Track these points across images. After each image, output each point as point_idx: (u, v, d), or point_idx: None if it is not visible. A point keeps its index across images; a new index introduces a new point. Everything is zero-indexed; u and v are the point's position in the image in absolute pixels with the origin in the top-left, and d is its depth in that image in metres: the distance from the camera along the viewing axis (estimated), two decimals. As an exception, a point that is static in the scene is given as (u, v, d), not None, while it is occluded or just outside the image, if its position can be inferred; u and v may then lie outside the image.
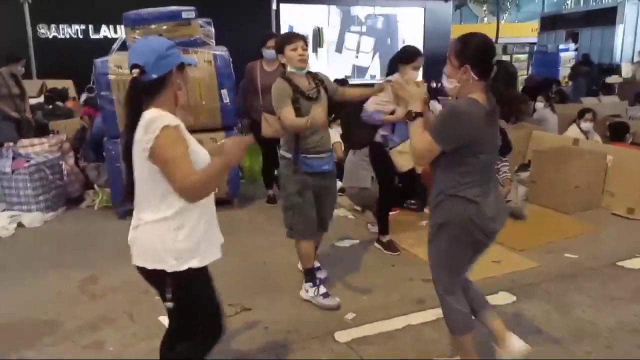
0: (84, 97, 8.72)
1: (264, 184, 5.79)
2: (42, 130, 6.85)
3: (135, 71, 1.90)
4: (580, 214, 5.14)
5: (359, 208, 5.35)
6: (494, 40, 2.35)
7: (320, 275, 3.63)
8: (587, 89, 12.26)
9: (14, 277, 3.97)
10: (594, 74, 13.20)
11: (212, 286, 2.14)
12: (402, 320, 3.22)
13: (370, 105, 3.92)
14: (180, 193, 1.88)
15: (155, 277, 2.01)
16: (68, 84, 9.76)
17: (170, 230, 1.95)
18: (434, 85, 14.49)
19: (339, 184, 5.96)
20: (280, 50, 3.42)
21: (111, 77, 4.91)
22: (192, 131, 2.09)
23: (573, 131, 6.27)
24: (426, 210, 5.28)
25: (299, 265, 3.66)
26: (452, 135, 2.19)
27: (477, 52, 2.20)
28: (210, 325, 2.17)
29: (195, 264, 1.98)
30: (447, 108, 2.35)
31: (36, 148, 5.62)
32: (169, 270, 1.95)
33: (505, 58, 15.49)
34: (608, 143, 6.09)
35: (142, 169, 1.93)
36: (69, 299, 3.60)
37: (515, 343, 2.46)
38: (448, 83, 2.30)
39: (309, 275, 3.47)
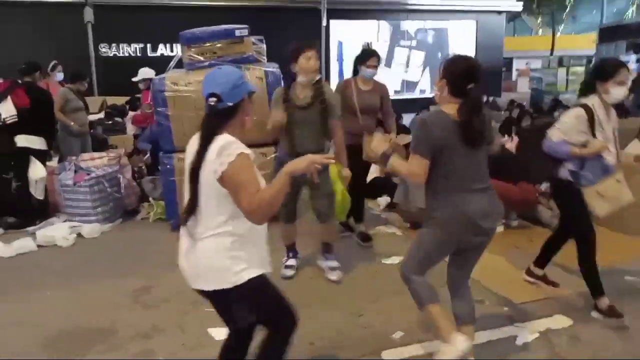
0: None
1: (348, 217, 4.79)
2: (101, 145, 7.21)
3: (213, 100, 2.06)
4: (644, 234, 4.88)
5: (407, 225, 5.30)
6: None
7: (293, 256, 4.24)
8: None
9: (71, 284, 4.15)
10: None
11: (272, 285, 2.26)
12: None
13: (555, 134, 3.36)
14: (248, 215, 2.00)
15: (218, 298, 2.14)
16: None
17: (227, 248, 2.07)
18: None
19: (387, 200, 5.96)
20: (295, 59, 3.64)
21: (167, 94, 5.11)
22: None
23: (635, 147, 5.98)
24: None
25: (332, 276, 4.06)
26: (424, 141, 2.50)
27: (455, 73, 2.52)
28: (284, 320, 2.27)
29: (253, 273, 2.11)
30: (416, 123, 2.64)
31: (96, 162, 5.88)
32: (231, 286, 2.08)
33: (561, 71, 15.06)
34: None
35: (211, 188, 2.04)
36: (123, 308, 3.72)
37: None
38: (435, 90, 2.70)
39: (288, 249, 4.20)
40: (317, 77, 3.80)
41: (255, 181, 2.02)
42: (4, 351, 3.19)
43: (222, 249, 2.07)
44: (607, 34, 20.29)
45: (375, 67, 4.49)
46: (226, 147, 2.01)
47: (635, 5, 29.71)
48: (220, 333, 3.24)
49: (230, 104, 2.08)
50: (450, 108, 2.52)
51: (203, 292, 2.16)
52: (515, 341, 3.13)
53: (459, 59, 2.58)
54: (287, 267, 4.17)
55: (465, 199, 2.53)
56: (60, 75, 8.05)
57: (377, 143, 2.77)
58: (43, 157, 5.86)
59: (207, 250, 2.08)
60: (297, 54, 3.64)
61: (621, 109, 9.41)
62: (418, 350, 3.05)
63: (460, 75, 2.50)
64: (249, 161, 2.03)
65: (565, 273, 4.02)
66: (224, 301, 2.15)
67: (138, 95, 8.39)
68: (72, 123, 6.58)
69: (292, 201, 3.96)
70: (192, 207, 2.08)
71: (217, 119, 2.09)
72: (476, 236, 2.60)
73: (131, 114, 8.92)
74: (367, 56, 4.51)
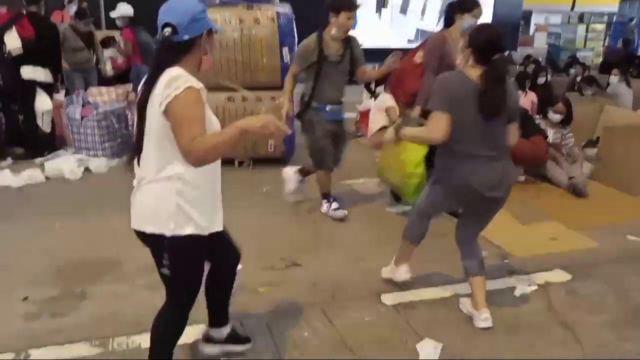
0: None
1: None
2: (107, 82, 7.10)
3: (168, 30, 1.88)
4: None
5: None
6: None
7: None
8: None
9: (79, 216, 4.22)
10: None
11: (203, 264, 2.13)
12: (450, 289, 3.20)
13: None
14: (185, 154, 1.84)
15: (154, 242, 1.99)
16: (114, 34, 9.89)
17: (173, 193, 1.92)
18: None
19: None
20: (336, 10, 3.74)
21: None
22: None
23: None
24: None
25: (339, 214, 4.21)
26: (443, 96, 2.54)
27: (481, 42, 2.56)
28: (188, 302, 2.13)
29: (193, 230, 1.96)
30: (437, 80, 2.68)
31: (104, 97, 5.86)
32: (168, 234, 1.93)
33: (581, 27, 14.62)
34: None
35: (154, 124, 1.89)
36: (130, 241, 3.71)
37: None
38: (459, 57, 2.76)
39: (326, 196, 4.26)
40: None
41: (199, 120, 1.85)
42: (13, 274, 3.29)
43: (171, 193, 1.92)
44: (632, -9, 19.53)
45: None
46: (175, 79, 1.84)
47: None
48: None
49: (186, 37, 1.90)
50: (474, 73, 2.55)
51: (141, 234, 2.01)
52: (513, 292, 3.18)
53: (485, 28, 2.67)
54: (338, 209, 4.23)
55: (472, 169, 2.58)
56: (75, 8, 7.86)
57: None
58: (49, 89, 5.82)
59: (156, 191, 1.94)
60: (340, 9, 3.79)
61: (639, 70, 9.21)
62: (416, 296, 3.11)
63: (486, 43, 2.55)
64: (198, 96, 1.86)
65: (567, 230, 4.06)
66: (157, 248, 2.00)
67: (111, 35, 7.81)
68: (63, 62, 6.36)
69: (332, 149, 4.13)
70: (139, 146, 1.94)
71: (169, 52, 1.91)
72: (482, 203, 2.71)
73: (107, 54, 7.45)
74: (471, 5, 3.85)
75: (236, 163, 5.42)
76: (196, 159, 1.85)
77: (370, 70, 4.35)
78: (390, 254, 3.59)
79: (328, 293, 3.13)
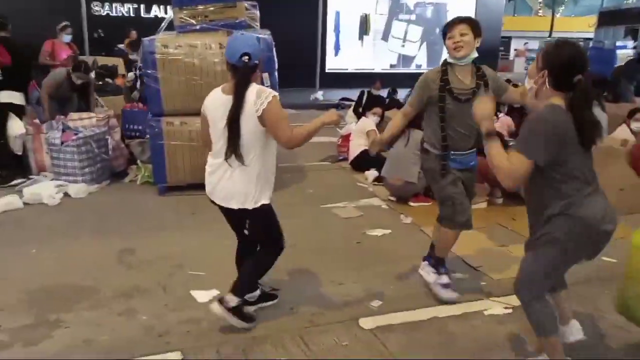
0: (131, 75, 8.95)
1: None
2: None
3: (246, 57, 2.63)
4: (623, 218, 4.94)
5: (393, 198, 5.35)
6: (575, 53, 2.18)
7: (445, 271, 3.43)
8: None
9: (57, 242, 4.17)
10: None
11: (275, 214, 2.92)
12: (428, 312, 3.21)
13: None
14: (286, 143, 2.70)
15: (241, 214, 2.81)
16: (118, 62, 10.04)
17: (253, 179, 2.73)
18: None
19: (375, 174, 6.01)
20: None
21: (157, 56, 5.04)
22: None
23: (622, 131, 6.04)
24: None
25: (440, 291, 3.36)
26: (543, 144, 2.12)
27: (560, 63, 2.16)
28: (277, 242, 2.96)
29: (266, 200, 2.81)
30: (531, 118, 2.26)
31: (84, 122, 5.85)
32: (251, 207, 2.76)
33: (558, 53, 14.95)
34: (659, 146, 5.83)
35: (250, 126, 2.63)
36: (107, 268, 3.75)
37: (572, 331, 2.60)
38: (527, 82, 2.34)
39: (439, 262, 3.38)
40: (471, 56, 3.08)
41: (287, 117, 2.71)
42: (-13, 304, 3.23)
43: (250, 179, 2.71)
44: (607, 18, 20.16)
45: None
46: (263, 90, 2.63)
47: (636, -10, 29.44)
48: (202, 295, 3.32)
49: (256, 61, 2.68)
50: (558, 101, 2.17)
51: (229, 210, 2.80)
52: (489, 314, 3.20)
53: (564, 45, 2.19)
54: (448, 287, 3.37)
55: (590, 203, 2.24)
56: (68, 37, 7.90)
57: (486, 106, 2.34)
58: (21, 112, 5.84)
59: (240, 177, 2.71)
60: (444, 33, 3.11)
61: (614, 94, 9.46)
62: (394, 320, 3.11)
63: (565, 64, 2.15)
64: (278, 99, 2.66)
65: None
66: (243, 218, 2.87)
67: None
68: (46, 108, 6.25)
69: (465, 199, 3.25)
70: (234, 150, 2.64)
71: (247, 73, 2.65)
72: (602, 241, 2.31)
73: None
74: None
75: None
76: (292, 145, 2.72)
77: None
78: (370, 277, 3.62)
79: (306, 318, 3.12)
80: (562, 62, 2.15)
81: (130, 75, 8.29)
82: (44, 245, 4.12)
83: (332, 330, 2.99)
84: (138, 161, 5.97)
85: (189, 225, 4.52)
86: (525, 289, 2.41)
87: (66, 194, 5.27)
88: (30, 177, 5.67)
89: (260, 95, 2.61)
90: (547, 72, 2.17)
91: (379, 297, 3.35)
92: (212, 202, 2.87)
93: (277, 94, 2.65)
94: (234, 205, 2.77)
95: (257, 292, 3.19)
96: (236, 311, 2.88)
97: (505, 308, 3.26)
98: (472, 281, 3.64)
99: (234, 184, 2.75)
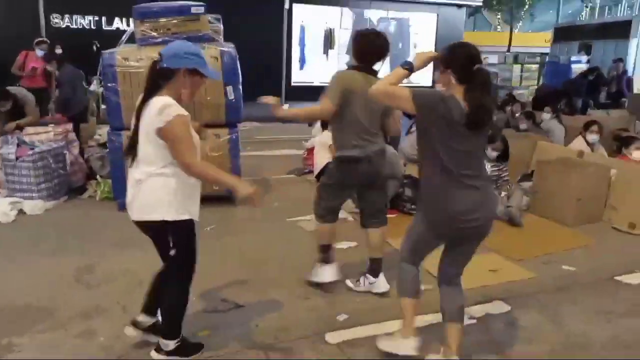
0: (93, 87, 8.81)
1: None
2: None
3: (156, 56, 2.47)
4: (581, 227, 5.10)
5: (358, 210, 5.34)
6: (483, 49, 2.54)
7: None
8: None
9: (11, 262, 4.00)
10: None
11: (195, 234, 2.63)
12: (393, 324, 3.18)
13: None
14: (184, 168, 2.41)
15: (157, 228, 2.52)
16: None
17: (170, 188, 2.46)
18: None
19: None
20: None
21: (118, 69, 4.94)
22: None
23: (579, 143, 6.23)
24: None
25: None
26: (427, 99, 2.41)
27: (458, 59, 2.44)
28: (191, 270, 2.68)
29: (189, 216, 2.54)
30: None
31: (41, 136, 5.66)
32: (170, 219, 2.47)
33: (516, 67, 15.46)
34: (614, 157, 6.05)
35: (149, 138, 2.41)
36: (64, 287, 3.62)
37: None
38: (437, 86, 2.57)
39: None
40: None
41: (190, 140, 2.42)
42: None
43: (168, 186, 2.46)
44: (561, 34, 20.93)
45: None
46: (167, 106, 2.38)
47: (588, 8, 30.75)
48: (163, 314, 3.21)
49: (165, 65, 2.43)
50: (459, 96, 2.41)
51: (143, 224, 2.54)
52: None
53: (457, 45, 2.50)
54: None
55: (454, 196, 2.45)
56: (40, 52, 7.89)
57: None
58: None
59: (155, 185, 2.46)
60: None
61: (569, 107, 9.77)
62: (361, 333, 3.09)
63: (467, 59, 2.42)
64: (186, 122, 2.41)
65: (506, 262, 4.18)
66: (159, 231, 2.54)
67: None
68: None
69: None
70: (133, 147, 2.48)
71: (157, 75, 2.46)
72: (458, 231, 2.54)
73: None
74: None
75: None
76: (192, 174, 2.45)
77: None
78: (335, 292, 3.59)
79: (271, 334, 3.07)
80: (461, 57, 2.43)
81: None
82: (-3, 265, 3.94)
83: (297, 346, 2.95)
84: (97, 176, 5.81)
85: (149, 241, 4.35)
86: (400, 252, 2.82)
87: (21, 211, 5.07)
88: (-17, 193, 5.44)
89: (162, 112, 2.37)
90: (451, 70, 2.43)
91: (345, 311, 3.33)
92: None
93: (184, 112, 2.41)
94: (146, 216, 2.58)
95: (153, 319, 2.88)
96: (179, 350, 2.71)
97: (470, 319, 3.28)
98: (436, 292, 3.63)
99: (145, 192, 2.57)
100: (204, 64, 2.51)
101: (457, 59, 2.44)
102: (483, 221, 2.52)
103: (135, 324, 2.84)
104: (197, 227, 2.64)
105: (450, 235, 2.60)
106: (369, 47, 3.33)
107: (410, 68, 2.51)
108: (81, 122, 7.19)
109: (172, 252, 2.56)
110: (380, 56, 3.34)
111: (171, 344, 2.68)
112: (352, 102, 3.20)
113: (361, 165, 3.29)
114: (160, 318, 2.81)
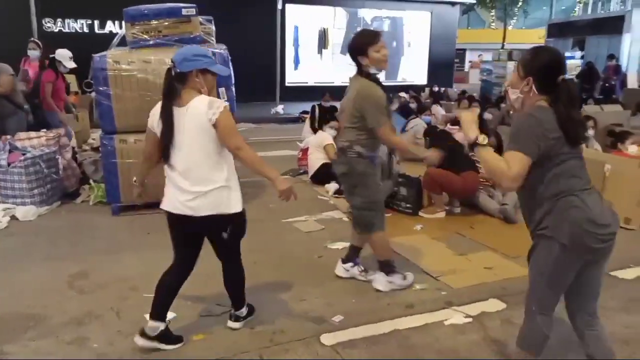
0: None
1: None
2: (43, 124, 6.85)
3: (171, 64, 2.67)
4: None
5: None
6: (555, 57, 2.29)
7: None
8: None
9: (3, 269, 3.96)
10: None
11: None
12: (389, 324, 3.19)
13: None
14: (235, 151, 2.67)
15: (219, 221, 2.75)
16: (70, 79, 9.74)
17: (228, 193, 2.75)
18: (436, 89, 14.69)
19: (335, 186, 5.99)
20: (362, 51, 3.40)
21: (109, 72, 4.91)
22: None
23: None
24: (421, 214, 5.26)
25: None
26: (535, 141, 2.09)
27: (542, 67, 2.19)
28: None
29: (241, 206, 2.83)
30: (518, 117, 2.27)
31: (33, 141, 5.62)
32: (234, 211, 2.76)
33: (510, 64, 15.47)
34: (608, 152, 6.05)
35: (204, 132, 2.62)
36: (57, 294, 3.58)
37: None
38: (511, 93, 2.29)
39: (390, 266, 3.65)
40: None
41: (236, 125, 2.74)
42: None
43: (224, 195, 2.72)
44: (555, 30, 21.03)
45: None
46: (213, 101, 2.63)
47: (582, 3, 30.82)
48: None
49: (179, 70, 2.64)
50: (544, 104, 2.19)
51: (199, 219, 2.71)
52: (450, 324, 3.20)
53: (542, 51, 2.27)
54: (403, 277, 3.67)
55: (589, 203, 2.18)
56: (31, 53, 7.64)
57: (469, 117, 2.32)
58: None
59: (216, 195, 2.70)
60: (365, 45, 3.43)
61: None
62: (356, 334, 3.07)
63: (550, 66, 2.19)
64: (228, 110, 2.68)
65: (502, 259, 4.16)
66: (223, 223, 2.79)
67: None
68: None
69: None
70: (167, 152, 2.68)
71: (173, 80, 2.65)
72: (604, 244, 2.27)
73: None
74: None
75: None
76: (240, 158, 2.70)
77: None
78: (331, 292, 3.58)
79: (266, 337, 3.05)
80: (544, 65, 2.19)
81: None
82: (-11, 272, 3.91)
83: (293, 348, 2.93)
84: (90, 180, 5.78)
85: (144, 245, 4.37)
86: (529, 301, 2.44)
87: (14, 217, 5.04)
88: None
89: (212, 105, 2.62)
90: (532, 79, 2.19)
91: (341, 312, 3.31)
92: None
93: (227, 105, 2.69)
94: (206, 212, 2.76)
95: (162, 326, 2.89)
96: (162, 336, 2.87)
97: (466, 317, 3.27)
98: (432, 291, 3.65)
99: (209, 198, 2.80)
100: (213, 62, 2.74)
101: (540, 65, 2.19)
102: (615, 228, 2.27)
103: (144, 333, 2.84)
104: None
105: (595, 247, 2.25)
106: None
107: (476, 139, 2.21)
108: None
109: (225, 235, 2.82)
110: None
111: (244, 310, 3.07)
112: None
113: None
114: (167, 323, 2.92)
